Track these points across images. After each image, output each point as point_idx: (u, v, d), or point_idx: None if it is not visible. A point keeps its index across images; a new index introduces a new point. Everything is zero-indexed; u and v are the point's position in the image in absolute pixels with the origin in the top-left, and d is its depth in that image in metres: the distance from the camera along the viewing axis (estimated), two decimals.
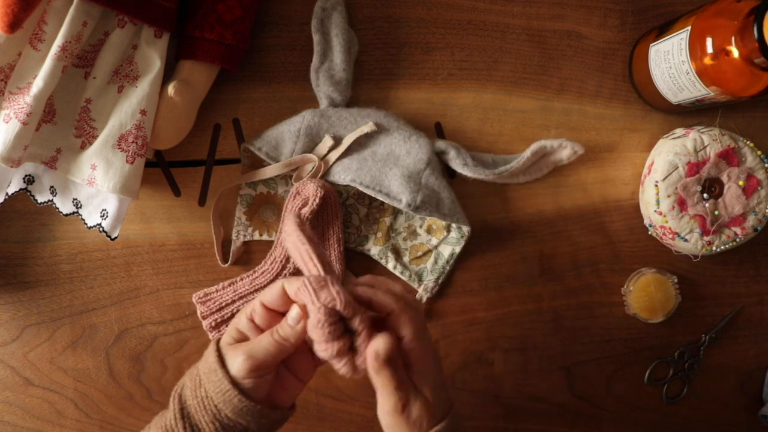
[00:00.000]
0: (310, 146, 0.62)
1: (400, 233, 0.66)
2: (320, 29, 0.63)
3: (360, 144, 0.62)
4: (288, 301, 0.47)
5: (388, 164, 0.61)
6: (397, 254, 0.66)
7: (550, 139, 0.64)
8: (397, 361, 0.45)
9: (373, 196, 0.62)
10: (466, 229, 0.64)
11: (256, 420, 0.47)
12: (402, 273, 0.66)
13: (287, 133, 0.62)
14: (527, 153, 0.63)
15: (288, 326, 0.46)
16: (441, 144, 0.63)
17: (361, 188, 0.61)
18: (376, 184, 0.61)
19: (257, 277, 0.63)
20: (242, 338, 0.48)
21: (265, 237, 0.65)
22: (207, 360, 0.48)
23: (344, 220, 0.65)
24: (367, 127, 0.61)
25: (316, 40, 0.63)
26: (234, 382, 0.46)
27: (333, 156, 0.61)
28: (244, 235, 0.65)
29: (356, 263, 0.66)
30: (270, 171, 0.62)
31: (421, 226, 0.66)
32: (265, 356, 0.46)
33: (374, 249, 0.66)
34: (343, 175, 0.61)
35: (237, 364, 0.46)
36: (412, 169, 0.61)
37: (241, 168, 0.65)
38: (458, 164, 0.63)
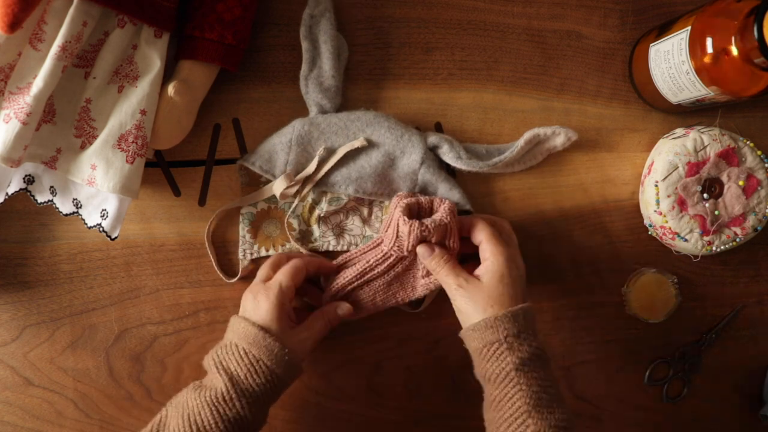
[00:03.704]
0: (303, 156, 0.62)
1: None
2: (309, 36, 0.63)
3: (354, 149, 0.62)
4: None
5: (384, 168, 0.63)
6: None
7: (544, 126, 0.64)
8: (445, 255, 0.58)
9: (374, 199, 0.64)
10: (469, 209, 0.64)
11: (293, 373, 0.57)
12: None
13: (279, 144, 0.62)
14: (521, 141, 0.63)
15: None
16: (433, 138, 0.63)
17: (364, 197, 0.63)
18: (378, 189, 0.63)
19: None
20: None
21: (271, 252, 0.65)
22: (247, 333, 0.56)
23: (347, 224, 0.66)
24: (358, 142, 0.61)
25: (304, 48, 0.63)
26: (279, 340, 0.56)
27: (325, 168, 0.62)
28: (251, 253, 0.65)
29: None
30: (266, 192, 0.64)
31: None
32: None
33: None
34: (344, 186, 0.62)
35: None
36: (407, 170, 0.63)
37: (240, 186, 0.65)
38: (452, 158, 0.63)
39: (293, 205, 0.64)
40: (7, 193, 0.59)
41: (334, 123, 0.62)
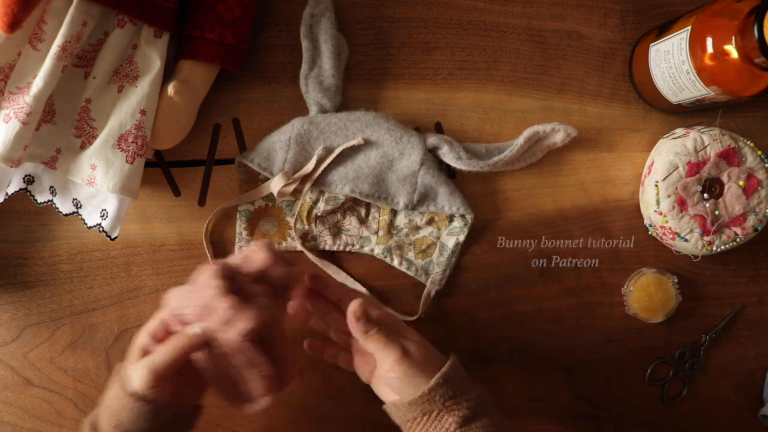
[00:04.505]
0: (302, 154, 0.62)
1: (401, 230, 0.66)
2: (309, 35, 0.63)
3: (353, 149, 0.62)
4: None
5: (382, 169, 0.62)
6: (401, 251, 0.66)
7: (542, 123, 0.64)
8: (377, 322, 0.53)
9: (371, 202, 0.64)
10: (469, 216, 0.64)
11: (156, 420, 0.50)
12: (408, 269, 0.66)
13: (278, 143, 0.62)
14: (520, 140, 0.63)
15: (184, 335, 0.50)
16: (433, 139, 0.63)
17: (360, 197, 0.63)
18: (374, 191, 0.63)
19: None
20: (145, 354, 0.51)
21: None
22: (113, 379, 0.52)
23: (343, 223, 0.66)
24: (356, 141, 0.61)
25: (304, 47, 0.63)
26: (127, 390, 0.49)
27: (323, 166, 0.62)
28: None
29: (361, 264, 0.66)
30: (264, 190, 0.63)
31: (422, 220, 0.66)
32: (164, 366, 0.49)
33: (377, 248, 0.66)
34: (341, 185, 0.62)
35: (138, 377, 0.49)
36: (406, 172, 0.62)
37: (238, 183, 0.65)
38: (452, 158, 0.63)
39: (298, 205, 0.64)
40: (7, 193, 0.59)
41: (333, 123, 0.62)
